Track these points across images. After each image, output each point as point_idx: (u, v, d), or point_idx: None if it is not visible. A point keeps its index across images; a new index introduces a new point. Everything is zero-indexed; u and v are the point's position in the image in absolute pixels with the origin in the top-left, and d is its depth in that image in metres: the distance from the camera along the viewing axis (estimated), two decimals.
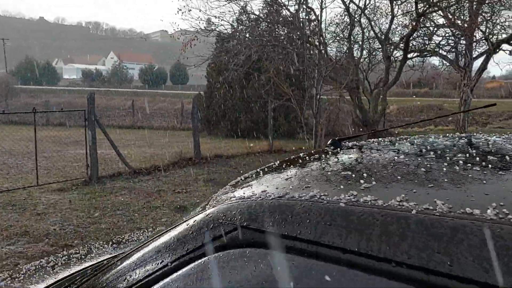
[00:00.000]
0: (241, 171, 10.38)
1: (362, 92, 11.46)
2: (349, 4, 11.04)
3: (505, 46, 15.30)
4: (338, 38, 12.07)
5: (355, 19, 11.04)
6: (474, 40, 15.60)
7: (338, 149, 1.37)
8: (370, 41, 14.41)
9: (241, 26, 14.49)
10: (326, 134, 10.86)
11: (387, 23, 14.74)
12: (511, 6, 14.00)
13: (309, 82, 9.59)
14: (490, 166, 0.91)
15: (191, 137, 20.20)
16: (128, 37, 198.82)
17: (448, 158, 0.99)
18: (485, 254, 0.58)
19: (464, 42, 15.60)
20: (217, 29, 12.46)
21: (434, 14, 13.36)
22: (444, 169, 0.90)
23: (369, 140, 1.49)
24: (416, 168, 0.93)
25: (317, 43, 10.44)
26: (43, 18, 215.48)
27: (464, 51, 16.38)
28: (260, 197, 0.89)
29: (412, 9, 12.13)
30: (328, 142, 1.44)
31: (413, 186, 0.82)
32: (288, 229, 0.78)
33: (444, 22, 14.26)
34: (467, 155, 1.01)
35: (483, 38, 15.68)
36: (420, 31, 13.44)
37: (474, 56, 16.26)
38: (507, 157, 0.98)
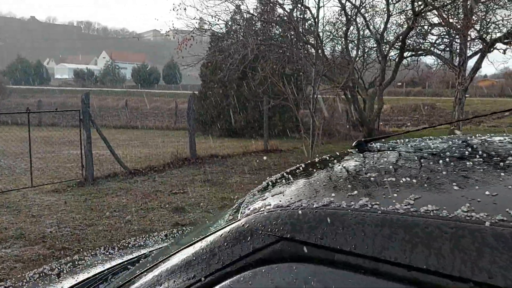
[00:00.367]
0: (238, 171, 10.32)
1: (358, 91, 11.42)
2: (345, 2, 11.00)
3: (499, 45, 15.35)
4: (334, 37, 12.02)
5: (351, 18, 11.00)
6: (468, 39, 15.63)
7: (365, 151, 1.31)
8: (365, 40, 14.39)
9: (235, 26, 14.42)
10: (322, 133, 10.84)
11: (382, 22, 14.73)
12: (506, 4, 14.04)
13: (306, 81, 9.52)
14: None
15: (186, 137, 20.10)
16: (120, 37, 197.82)
17: (503, 161, 0.93)
18: None
19: (458, 41, 15.62)
20: (212, 29, 12.36)
21: (429, 13, 13.37)
22: (503, 174, 0.83)
23: (396, 141, 1.42)
24: (469, 173, 0.87)
25: (314, 42, 10.38)
26: (34, 17, 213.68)
27: (458, 50, 16.40)
28: (302, 206, 0.82)
29: (407, 8, 12.12)
30: (353, 144, 1.37)
31: (473, 194, 0.75)
32: (340, 242, 0.71)
33: (439, 21, 14.28)
34: None
35: (477, 37, 15.72)
36: (415, 30, 13.43)
37: (468, 55, 16.29)
38: None
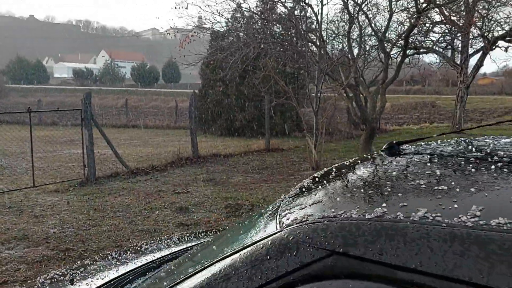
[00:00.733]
0: (240, 170, 10.26)
1: (360, 90, 11.35)
2: (347, 1, 10.92)
3: (501, 42, 15.30)
4: (336, 35, 11.93)
5: (354, 16, 10.92)
6: (470, 36, 15.58)
7: (396, 154, 1.24)
8: (366, 38, 14.31)
9: (236, 24, 14.33)
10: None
11: (384, 20, 14.63)
12: (508, 1, 13.97)
13: (309, 79, 9.45)
14: None
15: (186, 136, 20.04)
16: (119, 36, 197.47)
17: None
18: None
19: (460, 39, 15.56)
20: (214, 27, 12.27)
21: (431, 10, 13.30)
22: None
23: (429, 143, 1.35)
24: None
25: (317, 40, 10.31)
26: (33, 16, 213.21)
27: (460, 48, 16.36)
28: (352, 217, 0.76)
29: (410, 6, 12.04)
30: (384, 146, 1.31)
31: None
32: (403, 259, 0.65)
33: (441, 19, 14.21)
34: None
35: (479, 35, 15.66)
36: (417, 28, 13.36)
37: (470, 53, 16.24)
38: None
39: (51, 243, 5.55)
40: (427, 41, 15.38)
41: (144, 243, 2.29)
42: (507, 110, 27.37)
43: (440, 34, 14.89)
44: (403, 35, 10.85)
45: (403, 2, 13.10)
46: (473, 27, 14.67)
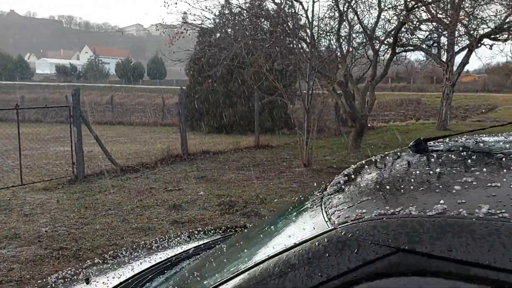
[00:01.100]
0: (231, 168, 10.25)
1: (350, 87, 11.41)
2: None
3: (486, 40, 15.53)
4: (327, 33, 11.97)
5: (344, 13, 10.96)
6: (456, 34, 15.78)
7: (424, 151, 1.25)
8: (355, 36, 14.37)
9: (224, 20, 14.27)
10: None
11: (371, 18, 14.67)
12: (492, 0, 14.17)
13: (302, 76, 9.45)
14: None
15: (174, 133, 19.92)
16: (102, 31, 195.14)
17: None
18: None
19: (447, 36, 15.74)
20: (203, 23, 12.19)
21: (417, 8, 13.42)
22: None
23: (457, 139, 1.36)
24: None
25: (307, 38, 10.32)
26: (14, 11, 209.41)
27: (446, 46, 16.55)
28: (412, 214, 0.76)
29: (398, 4, 12.12)
30: (411, 143, 1.31)
31: None
32: (475, 255, 0.66)
33: (428, 17, 14.36)
34: None
35: (465, 33, 15.86)
36: (405, 26, 13.47)
37: (456, 50, 16.46)
38: None
39: (44, 242, 5.47)
40: (414, 39, 15.53)
41: (155, 241, 2.26)
42: (490, 107, 27.82)
43: (427, 32, 15.05)
44: (393, 32, 10.94)
45: (390, 0, 13.19)
46: (459, 25, 14.86)
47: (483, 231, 0.68)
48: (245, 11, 12.81)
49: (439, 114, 17.58)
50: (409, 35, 15.13)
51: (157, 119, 27.00)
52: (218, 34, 18.36)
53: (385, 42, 12.44)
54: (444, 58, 16.53)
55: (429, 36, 15.66)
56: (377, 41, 12.24)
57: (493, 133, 1.48)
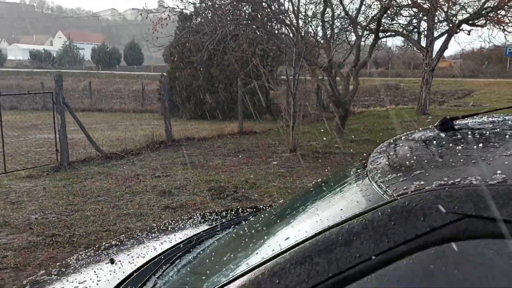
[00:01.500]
0: (218, 154, 10.27)
1: (334, 72, 11.50)
2: None
3: (465, 26, 15.80)
4: (312, 18, 11.98)
5: None
6: (436, 20, 16.00)
7: (450, 129, 1.31)
8: (337, 21, 14.42)
9: (205, 4, 14.13)
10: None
11: (353, 3, 14.72)
12: None
13: (288, 62, 9.47)
14: None
15: (155, 120, 19.77)
16: (76, 16, 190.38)
17: None
18: None
19: (426, 21, 15.95)
20: (186, 8, 12.06)
21: None
22: None
23: (482, 118, 1.42)
24: None
25: (292, 22, 10.33)
26: None
27: (426, 31, 16.78)
28: (473, 184, 0.82)
29: None
30: (437, 122, 1.37)
31: None
32: None
33: (408, 2, 14.50)
34: None
35: (445, 19, 16.10)
36: (387, 12, 13.58)
37: (435, 36, 16.70)
38: None
39: (35, 229, 5.43)
40: (394, 24, 15.69)
41: (167, 223, 2.30)
42: (466, 92, 28.40)
43: (408, 17, 15.22)
44: (376, 17, 11.03)
45: None
46: (439, 11, 15.07)
47: None
48: None
49: (419, 99, 17.89)
50: (390, 20, 15.30)
51: (136, 106, 26.71)
52: (198, 19, 18.17)
53: (368, 27, 12.55)
54: (423, 43, 16.77)
55: (410, 22, 15.84)
56: (359, 27, 12.33)
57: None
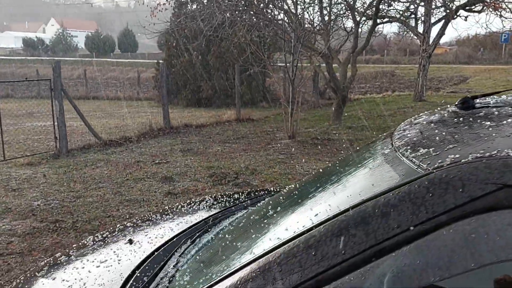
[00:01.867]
0: (216, 140, 10.28)
1: (332, 59, 11.48)
2: None
3: (462, 12, 15.78)
4: (310, 3, 11.92)
5: None
6: (433, 6, 15.95)
7: (471, 108, 1.33)
8: (335, 7, 14.34)
9: None
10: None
11: None
12: None
13: (288, 48, 9.43)
14: None
15: (151, 107, 19.69)
16: (68, 3, 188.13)
17: None
18: None
19: (424, 6, 15.89)
20: None
21: None
22: None
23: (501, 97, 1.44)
24: None
25: (290, 8, 10.27)
26: None
27: (423, 17, 16.75)
28: (510, 155, 0.85)
29: None
30: (458, 101, 1.39)
31: None
32: None
33: None
34: None
35: (442, 4, 16.05)
36: None
37: (432, 22, 16.67)
38: None
39: (38, 215, 5.44)
40: (391, 10, 15.63)
41: (180, 206, 2.32)
42: (462, 78, 28.44)
43: (406, 3, 15.15)
44: (374, 3, 10.99)
45: None
46: None
47: None
48: None
49: (416, 85, 17.91)
50: (387, 6, 15.23)
51: (132, 93, 26.59)
52: (194, 5, 18.05)
53: (365, 13, 12.50)
54: (420, 29, 16.74)
55: (407, 8, 15.78)
56: (356, 13, 12.29)
57: None
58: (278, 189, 2.32)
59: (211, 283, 1.11)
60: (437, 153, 0.98)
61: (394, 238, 0.86)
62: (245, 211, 1.89)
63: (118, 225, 2.16)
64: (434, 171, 0.90)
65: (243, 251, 1.20)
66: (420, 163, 0.98)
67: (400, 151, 1.11)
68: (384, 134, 1.48)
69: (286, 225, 1.15)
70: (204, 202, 2.31)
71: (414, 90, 18.08)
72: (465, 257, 0.79)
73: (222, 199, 2.35)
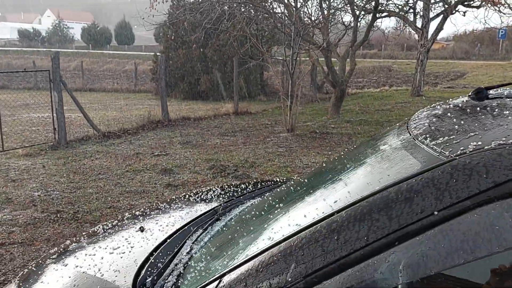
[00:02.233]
0: (215, 133, 10.29)
1: (330, 53, 11.48)
2: None
3: (461, 7, 15.79)
4: None
5: None
6: (432, 1, 15.96)
7: (485, 99, 1.35)
8: (332, 1, 14.31)
9: None
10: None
11: None
12: None
13: (287, 41, 9.42)
14: None
15: (148, 100, 19.64)
16: None
17: None
18: None
19: (423, 1, 15.89)
20: None
21: None
22: None
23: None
24: None
25: (289, 2, 10.26)
26: None
27: (421, 12, 16.74)
28: None
29: None
30: (472, 91, 1.41)
31: None
32: None
33: None
34: None
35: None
36: None
37: (431, 17, 16.68)
38: None
39: (39, 206, 5.44)
40: (390, 4, 15.61)
41: (187, 195, 2.33)
42: (459, 74, 28.50)
43: None
44: None
45: None
46: None
47: None
48: None
49: (413, 80, 17.94)
50: (386, 0, 15.22)
51: (129, 86, 26.51)
52: None
53: (364, 8, 12.49)
54: (419, 24, 16.74)
55: (406, 2, 15.78)
56: (356, 7, 12.28)
57: None
58: (285, 180, 2.33)
59: (230, 267, 1.12)
60: (458, 141, 1.00)
61: (418, 223, 0.88)
62: (255, 200, 1.90)
63: (126, 214, 2.18)
64: (457, 157, 0.92)
65: (262, 237, 1.21)
66: (442, 150, 0.99)
67: (419, 139, 1.13)
68: (398, 124, 1.49)
69: (305, 211, 1.16)
70: (212, 192, 2.33)
71: (412, 85, 18.12)
72: (489, 241, 0.81)
73: (229, 189, 2.37)
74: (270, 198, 1.63)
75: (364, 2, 11.87)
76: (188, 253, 1.55)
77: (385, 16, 14.69)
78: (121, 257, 1.62)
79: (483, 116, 1.14)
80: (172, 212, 2.07)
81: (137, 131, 10.56)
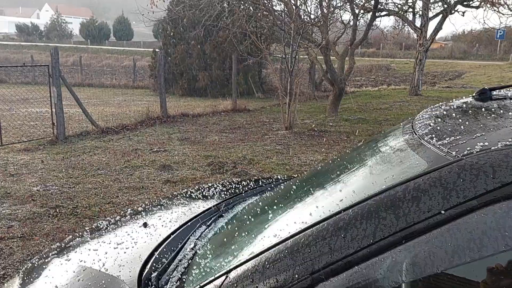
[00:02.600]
0: (213, 130, 10.29)
1: (329, 51, 11.48)
2: None
3: (460, 7, 15.82)
4: None
5: None
6: (431, 0, 15.97)
7: (489, 99, 1.36)
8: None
9: None
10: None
11: None
12: None
13: (286, 39, 9.42)
14: None
15: (147, 96, 19.62)
16: None
17: None
18: None
19: (422, 0, 15.91)
20: None
21: None
22: None
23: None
24: None
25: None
26: None
27: (421, 12, 16.76)
28: None
29: None
30: (476, 92, 1.42)
31: None
32: None
33: None
34: None
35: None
36: None
37: (430, 16, 16.70)
38: None
39: (38, 200, 5.44)
40: (389, 4, 15.62)
41: (189, 191, 2.34)
42: (457, 74, 28.57)
43: None
44: None
45: None
46: None
47: None
48: None
49: (412, 79, 17.97)
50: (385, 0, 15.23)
51: (128, 82, 26.47)
52: None
53: (364, 6, 12.50)
54: (418, 23, 16.77)
55: (406, 1, 15.79)
56: (355, 5, 12.29)
57: None
58: (289, 177, 2.35)
59: (237, 264, 1.14)
60: (464, 141, 1.01)
61: (425, 222, 0.89)
62: (259, 197, 1.92)
63: (129, 210, 2.18)
64: (464, 157, 0.94)
65: (267, 234, 1.23)
66: (448, 150, 1.01)
67: (425, 139, 1.15)
68: (401, 123, 1.51)
69: (311, 209, 1.17)
70: (214, 188, 2.34)
71: (410, 84, 18.15)
72: (495, 240, 0.82)
73: (231, 186, 2.38)
74: (274, 195, 1.64)
75: (363, 0, 11.87)
76: (192, 249, 1.57)
77: (384, 15, 14.70)
78: (125, 252, 1.63)
79: (488, 117, 1.15)
80: (175, 208, 2.08)
81: (136, 127, 10.56)
